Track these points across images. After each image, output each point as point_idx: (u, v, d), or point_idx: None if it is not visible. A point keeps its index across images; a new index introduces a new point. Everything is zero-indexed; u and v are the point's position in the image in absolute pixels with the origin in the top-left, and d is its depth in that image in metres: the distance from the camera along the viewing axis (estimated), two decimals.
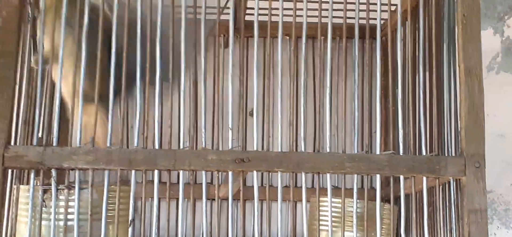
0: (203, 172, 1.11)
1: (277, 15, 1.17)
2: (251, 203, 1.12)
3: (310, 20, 1.21)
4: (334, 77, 1.56)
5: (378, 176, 1.12)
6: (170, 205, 1.35)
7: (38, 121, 1.10)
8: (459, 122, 1.15)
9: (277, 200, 1.12)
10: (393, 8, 1.28)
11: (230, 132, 1.13)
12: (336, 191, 1.20)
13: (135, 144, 1.10)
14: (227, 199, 1.14)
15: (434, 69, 1.19)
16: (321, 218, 1.26)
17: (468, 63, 1.12)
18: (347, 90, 1.55)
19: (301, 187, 1.12)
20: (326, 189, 1.13)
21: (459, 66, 1.14)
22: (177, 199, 1.13)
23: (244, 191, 1.27)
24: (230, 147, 1.12)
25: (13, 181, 1.19)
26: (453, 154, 1.17)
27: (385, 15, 1.26)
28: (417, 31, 1.25)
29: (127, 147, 1.18)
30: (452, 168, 1.11)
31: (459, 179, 1.12)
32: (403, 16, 1.34)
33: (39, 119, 1.11)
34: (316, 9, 1.19)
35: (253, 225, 1.10)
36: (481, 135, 1.11)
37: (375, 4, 1.18)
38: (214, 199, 1.41)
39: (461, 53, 1.13)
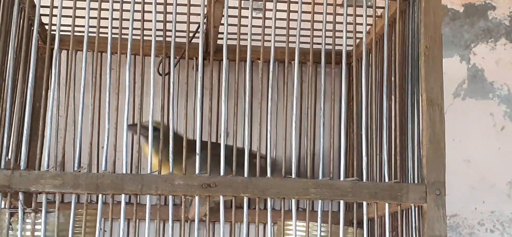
0: (170, 197, 1.13)
1: (246, 39, 1.20)
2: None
3: (279, 45, 1.23)
4: (303, 102, 1.59)
5: (342, 201, 1.14)
6: (140, 226, 1.37)
7: (6, 144, 1.11)
8: (421, 150, 1.17)
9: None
10: (360, 35, 1.31)
11: (197, 157, 1.15)
12: (303, 213, 1.22)
13: (103, 168, 1.12)
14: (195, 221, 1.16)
15: (397, 98, 1.21)
16: None
17: (430, 94, 1.15)
18: (315, 115, 1.58)
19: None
20: (292, 211, 1.15)
21: (421, 96, 1.17)
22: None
23: (213, 212, 1.28)
24: (197, 172, 1.14)
25: None
26: (415, 182, 1.19)
27: (352, 42, 1.28)
28: (382, 60, 1.28)
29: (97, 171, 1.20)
30: (413, 195, 1.13)
31: (420, 206, 1.15)
32: (369, 45, 1.37)
33: (8, 141, 1.11)
34: (284, 35, 1.22)
35: None
36: (441, 163, 1.14)
37: (342, 31, 1.21)
38: (186, 221, 1.43)
39: (424, 84, 1.16)
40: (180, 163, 1.14)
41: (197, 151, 1.14)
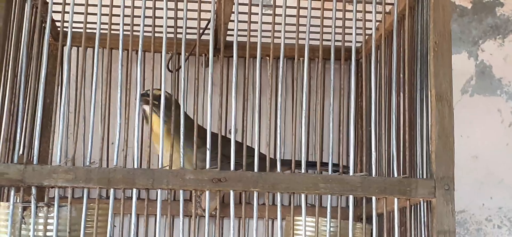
0: (181, 191, 1.14)
1: (256, 36, 1.20)
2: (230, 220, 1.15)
3: (288, 41, 1.24)
4: (311, 98, 1.60)
5: (351, 196, 1.15)
6: (149, 221, 1.38)
7: (19, 139, 1.12)
8: (430, 145, 1.18)
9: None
10: (369, 31, 1.32)
11: (208, 151, 1.16)
12: (311, 209, 1.23)
13: (114, 163, 1.13)
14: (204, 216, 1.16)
15: (406, 94, 1.22)
16: (295, 236, 1.29)
17: (439, 89, 1.16)
18: (324, 111, 1.59)
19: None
20: (301, 207, 1.16)
21: (430, 92, 1.18)
22: (156, 215, 1.15)
23: (222, 207, 1.29)
24: (207, 166, 1.15)
25: None
26: (424, 177, 1.20)
27: (361, 38, 1.29)
28: (391, 56, 1.28)
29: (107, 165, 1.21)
30: (422, 190, 1.14)
31: (429, 201, 1.16)
32: (378, 41, 1.38)
33: (20, 136, 1.13)
34: (294, 32, 1.23)
35: None
36: (450, 158, 1.14)
37: (351, 27, 1.22)
38: (196, 216, 1.44)
39: (433, 79, 1.16)
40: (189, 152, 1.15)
41: (208, 146, 1.15)
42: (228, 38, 1.46)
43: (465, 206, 1.66)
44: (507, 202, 1.68)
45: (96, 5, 1.18)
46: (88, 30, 1.20)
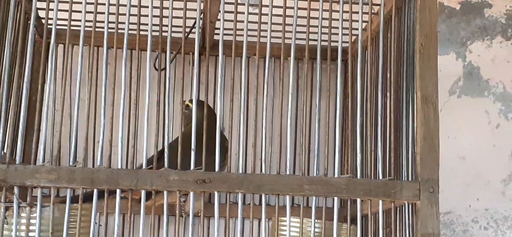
0: (165, 192, 1.13)
1: (242, 35, 1.20)
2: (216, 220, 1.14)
3: (275, 41, 1.24)
4: (298, 98, 1.59)
5: (336, 198, 1.15)
6: (135, 220, 1.37)
7: (2, 138, 1.11)
8: (415, 148, 1.18)
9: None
10: (355, 32, 1.31)
11: (192, 152, 1.15)
12: (297, 208, 1.22)
13: (98, 163, 1.12)
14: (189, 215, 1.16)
15: (392, 95, 1.22)
16: None
17: (425, 91, 1.16)
18: (311, 111, 1.58)
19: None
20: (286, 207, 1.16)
21: (416, 94, 1.17)
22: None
23: (208, 207, 1.29)
24: (192, 167, 1.14)
25: None
26: (409, 179, 1.20)
27: (348, 38, 1.29)
28: (377, 57, 1.28)
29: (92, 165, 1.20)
30: (407, 192, 1.14)
31: (414, 203, 1.16)
32: (365, 41, 1.37)
33: (4, 136, 1.12)
34: (280, 31, 1.22)
35: None
36: (435, 161, 1.14)
37: (338, 27, 1.21)
38: (181, 216, 1.44)
39: (419, 81, 1.16)
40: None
41: (193, 146, 1.14)
42: (215, 37, 1.46)
43: (452, 207, 1.67)
44: (494, 204, 1.68)
45: (81, 2, 1.17)
46: (73, 28, 1.19)
